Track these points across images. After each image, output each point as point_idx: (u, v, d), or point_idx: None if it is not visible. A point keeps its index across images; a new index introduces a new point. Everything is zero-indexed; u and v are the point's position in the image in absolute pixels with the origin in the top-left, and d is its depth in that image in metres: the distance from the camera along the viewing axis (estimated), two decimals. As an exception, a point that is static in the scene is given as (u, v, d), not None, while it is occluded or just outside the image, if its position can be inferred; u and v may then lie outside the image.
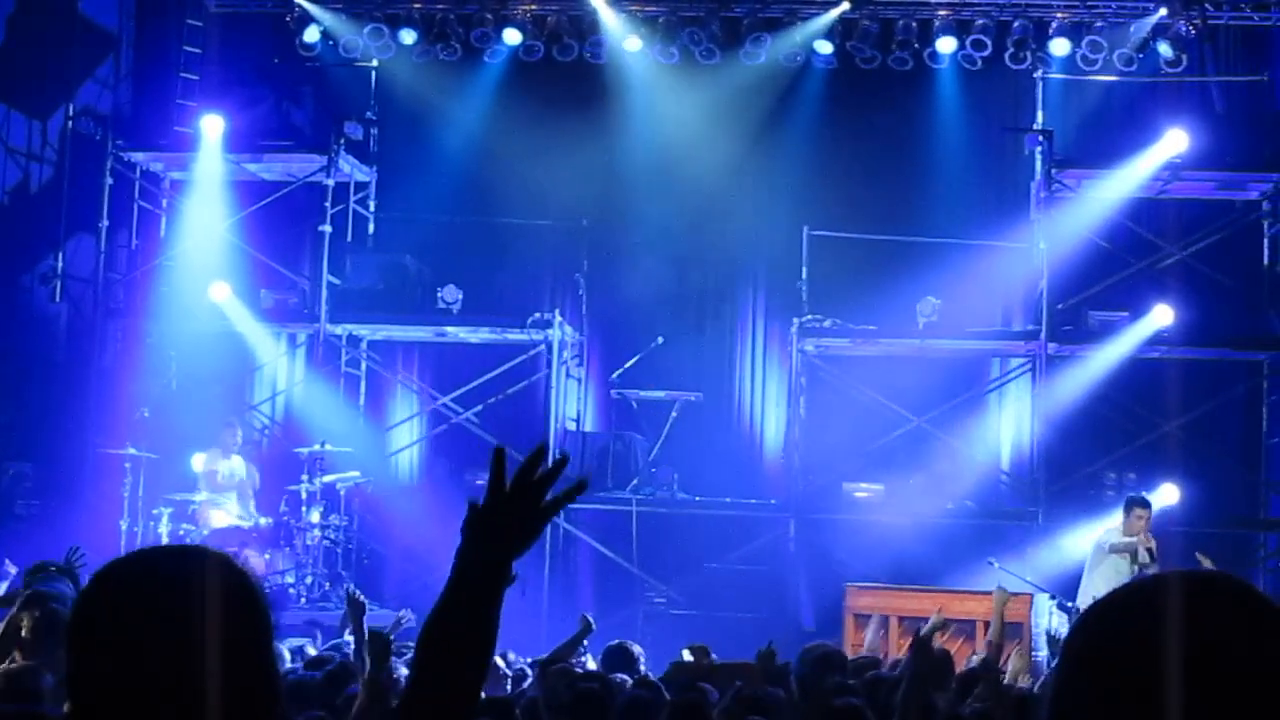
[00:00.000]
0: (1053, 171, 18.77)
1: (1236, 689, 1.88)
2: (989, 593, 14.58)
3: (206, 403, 20.05)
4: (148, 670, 2.22)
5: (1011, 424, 19.60)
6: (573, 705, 7.70)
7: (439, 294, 19.22)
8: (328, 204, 19.49)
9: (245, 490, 18.11)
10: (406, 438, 20.06)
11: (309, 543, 17.48)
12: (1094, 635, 1.99)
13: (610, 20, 19.94)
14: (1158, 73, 19.44)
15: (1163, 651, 1.87)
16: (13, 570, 15.48)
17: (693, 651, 11.02)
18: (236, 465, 18.15)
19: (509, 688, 10.21)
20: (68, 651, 2.33)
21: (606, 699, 7.79)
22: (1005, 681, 10.53)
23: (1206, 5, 19.57)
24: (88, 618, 2.32)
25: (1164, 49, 19.27)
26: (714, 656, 11.28)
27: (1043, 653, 14.31)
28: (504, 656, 10.68)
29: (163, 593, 2.27)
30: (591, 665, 11.08)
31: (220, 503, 17.74)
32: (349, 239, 20.05)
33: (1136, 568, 15.01)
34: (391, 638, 7.27)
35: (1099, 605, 2.02)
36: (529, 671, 10.33)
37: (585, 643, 11.99)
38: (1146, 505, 15.49)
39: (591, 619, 11.46)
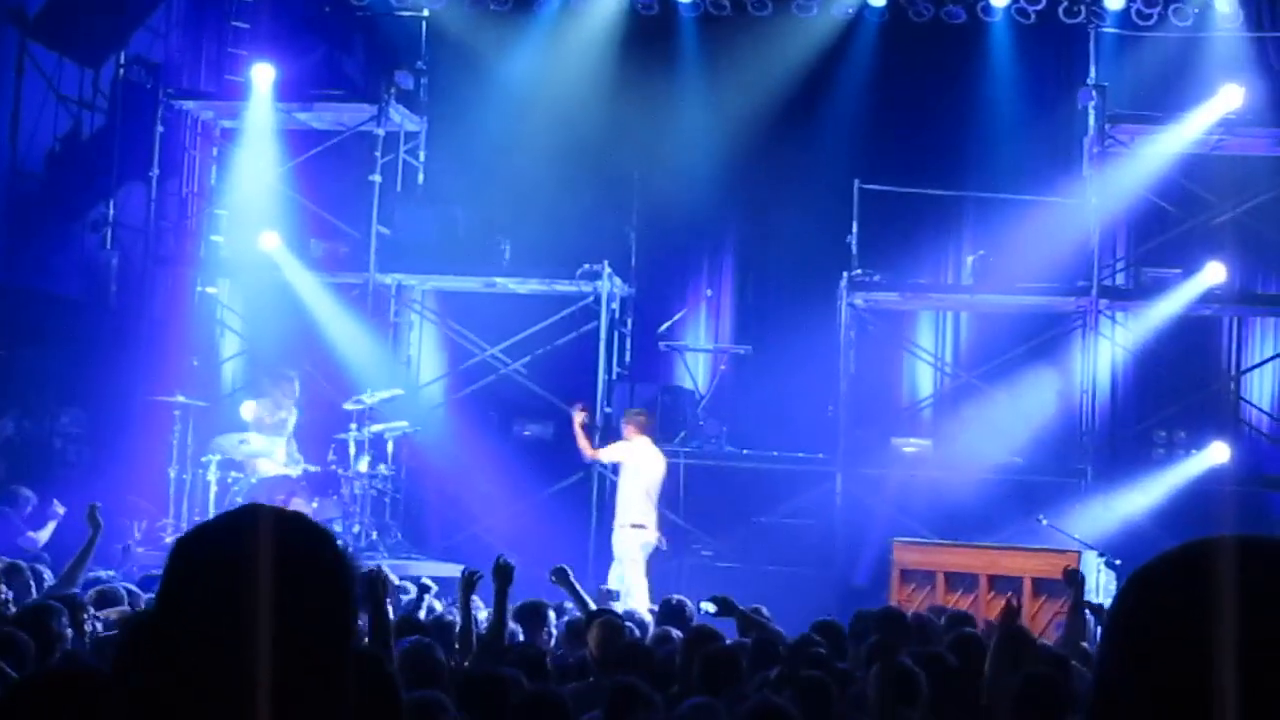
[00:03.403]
0: (1106, 127, 18.62)
1: None
2: (1037, 549, 14.60)
3: (256, 352, 20.12)
4: (221, 648, 2.16)
5: (1062, 380, 19.48)
6: (620, 660, 7.68)
7: (488, 244, 19.20)
8: (378, 153, 19.46)
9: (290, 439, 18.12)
10: (455, 388, 20.05)
11: (356, 492, 17.48)
12: (1139, 604, 1.91)
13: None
14: (1213, 28, 19.24)
15: (1214, 620, 1.80)
16: (60, 510, 15.61)
17: (716, 603, 10.89)
18: (289, 416, 18.13)
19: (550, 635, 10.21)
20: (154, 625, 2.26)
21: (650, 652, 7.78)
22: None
23: (1265, -41, 19.39)
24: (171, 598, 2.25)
25: (1220, 4, 19.07)
26: (763, 609, 11.23)
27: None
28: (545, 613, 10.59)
29: (241, 560, 2.19)
30: (644, 613, 11.01)
31: (269, 451, 17.74)
32: (399, 189, 20.03)
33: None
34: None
35: (1142, 571, 1.94)
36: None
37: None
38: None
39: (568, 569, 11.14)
